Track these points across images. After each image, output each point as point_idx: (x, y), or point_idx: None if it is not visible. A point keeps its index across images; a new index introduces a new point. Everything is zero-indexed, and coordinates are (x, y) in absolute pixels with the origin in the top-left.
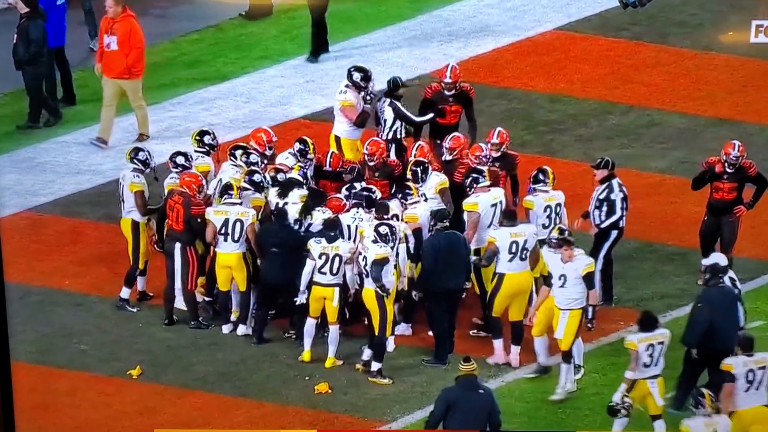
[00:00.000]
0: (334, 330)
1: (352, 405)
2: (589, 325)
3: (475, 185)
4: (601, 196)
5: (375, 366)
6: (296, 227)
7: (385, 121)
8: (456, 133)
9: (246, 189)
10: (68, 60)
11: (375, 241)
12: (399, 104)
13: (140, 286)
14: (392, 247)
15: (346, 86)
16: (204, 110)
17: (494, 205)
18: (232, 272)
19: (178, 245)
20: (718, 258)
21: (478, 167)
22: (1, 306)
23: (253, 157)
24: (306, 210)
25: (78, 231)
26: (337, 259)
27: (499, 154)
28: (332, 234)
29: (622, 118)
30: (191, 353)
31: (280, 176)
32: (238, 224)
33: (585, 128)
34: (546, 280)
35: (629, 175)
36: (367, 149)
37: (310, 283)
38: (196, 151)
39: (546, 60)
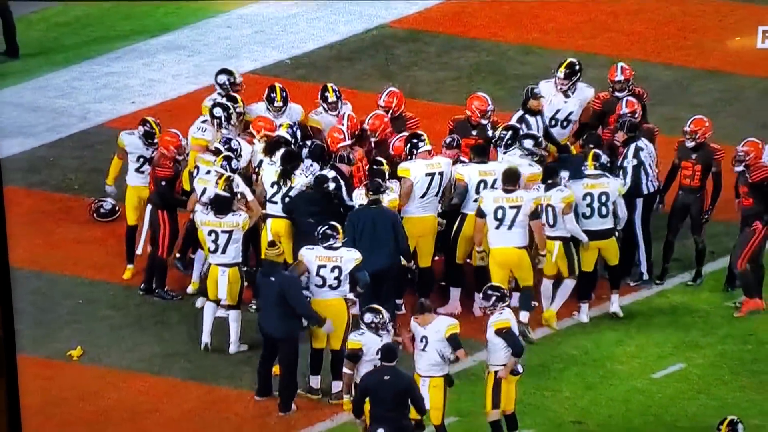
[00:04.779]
0: None
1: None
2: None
3: (414, 150)
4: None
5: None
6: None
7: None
8: (751, 138)
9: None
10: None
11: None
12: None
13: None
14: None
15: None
16: (144, 66)
17: (430, 174)
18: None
19: (149, 207)
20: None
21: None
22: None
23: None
24: (285, 174)
25: (9, 199)
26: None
27: (693, 144)
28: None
29: (602, 71)
30: (136, 333)
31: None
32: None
33: None
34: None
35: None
36: (368, 124)
37: None
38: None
39: (518, 7)
